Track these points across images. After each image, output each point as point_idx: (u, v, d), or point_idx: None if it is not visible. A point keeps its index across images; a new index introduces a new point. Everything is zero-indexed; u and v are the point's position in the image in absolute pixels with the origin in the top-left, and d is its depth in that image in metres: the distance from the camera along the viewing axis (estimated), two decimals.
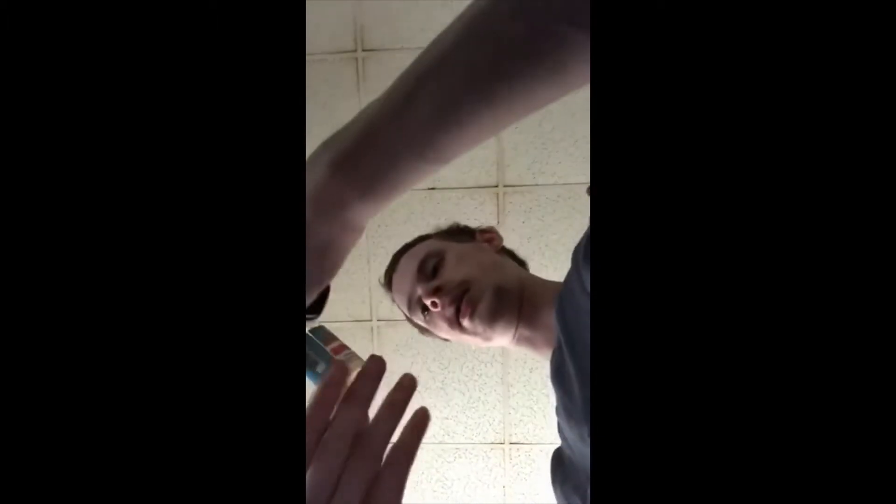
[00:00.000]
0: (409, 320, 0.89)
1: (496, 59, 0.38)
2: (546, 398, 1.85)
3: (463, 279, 0.76)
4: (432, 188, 1.82)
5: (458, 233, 0.91)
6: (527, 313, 0.74)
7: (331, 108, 1.82)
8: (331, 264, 0.43)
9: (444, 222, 0.96)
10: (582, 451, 0.63)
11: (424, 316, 0.82)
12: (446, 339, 0.85)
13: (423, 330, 0.88)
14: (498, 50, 0.38)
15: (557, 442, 0.72)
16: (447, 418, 1.91)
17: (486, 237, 0.90)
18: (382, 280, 0.95)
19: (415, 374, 0.42)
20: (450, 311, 0.75)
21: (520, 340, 0.76)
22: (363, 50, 1.80)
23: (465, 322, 0.75)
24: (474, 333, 0.76)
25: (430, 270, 0.81)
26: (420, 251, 0.85)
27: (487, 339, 0.76)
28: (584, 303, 0.55)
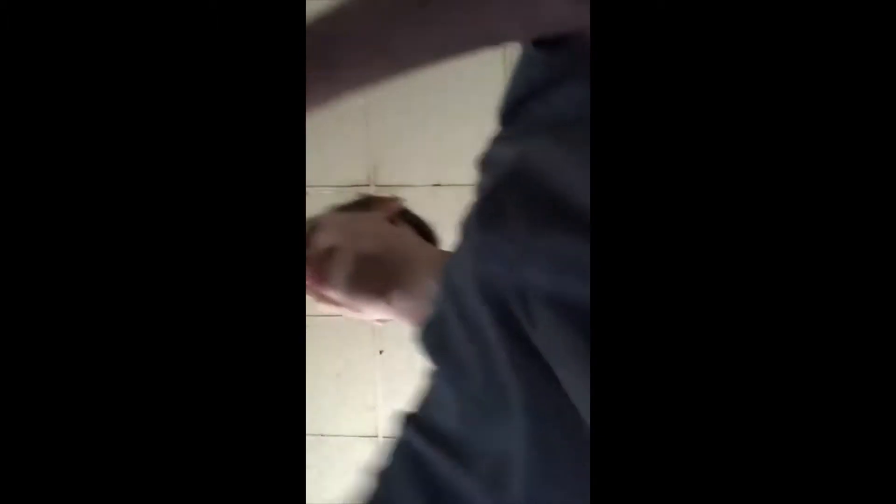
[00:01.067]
0: None
1: None
2: None
3: (328, 248, 0.70)
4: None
5: (364, 203, 0.83)
6: (404, 281, 0.68)
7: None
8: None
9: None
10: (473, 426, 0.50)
11: None
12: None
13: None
14: None
15: None
16: None
17: (383, 204, 0.80)
18: None
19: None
20: (311, 283, 0.70)
21: (400, 312, 0.69)
22: None
23: (323, 290, 0.69)
24: (340, 304, 0.71)
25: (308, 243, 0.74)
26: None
27: (356, 310, 0.71)
28: (474, 266, 0.49)
